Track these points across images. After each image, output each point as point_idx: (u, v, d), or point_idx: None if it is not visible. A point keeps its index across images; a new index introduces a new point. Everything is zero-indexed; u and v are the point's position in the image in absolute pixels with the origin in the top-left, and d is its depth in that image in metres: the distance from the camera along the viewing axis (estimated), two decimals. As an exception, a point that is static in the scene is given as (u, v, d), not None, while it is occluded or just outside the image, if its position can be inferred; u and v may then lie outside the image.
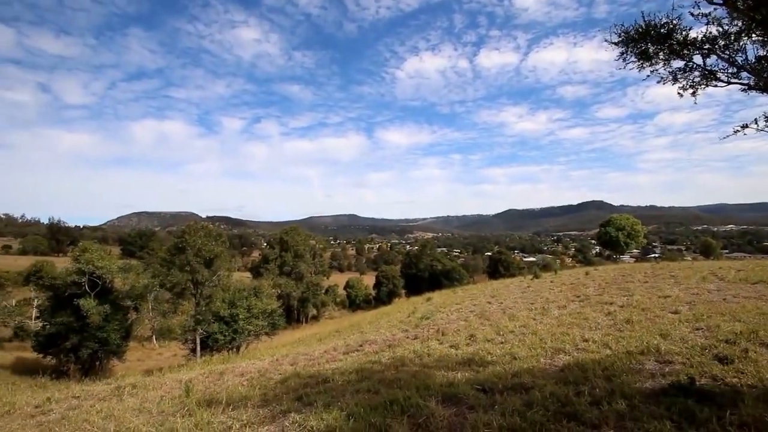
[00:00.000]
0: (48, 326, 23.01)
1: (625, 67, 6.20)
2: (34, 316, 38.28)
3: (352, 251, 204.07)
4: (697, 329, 7.07)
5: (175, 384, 7.85)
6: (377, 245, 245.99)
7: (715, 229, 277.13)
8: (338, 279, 78.13)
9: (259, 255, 73.22)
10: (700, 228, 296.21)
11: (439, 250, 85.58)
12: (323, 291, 60.73)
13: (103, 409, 6.04)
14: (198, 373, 9.06)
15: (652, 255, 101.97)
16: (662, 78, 6.18)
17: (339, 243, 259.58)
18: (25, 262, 56.99)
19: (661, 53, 5.92)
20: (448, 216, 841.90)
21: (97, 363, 23.79)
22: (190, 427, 4.42)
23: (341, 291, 68.46)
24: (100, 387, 8.41)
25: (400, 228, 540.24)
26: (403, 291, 64.60)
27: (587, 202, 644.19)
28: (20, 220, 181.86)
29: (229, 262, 30.78)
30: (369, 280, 76.27)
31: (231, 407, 5.18)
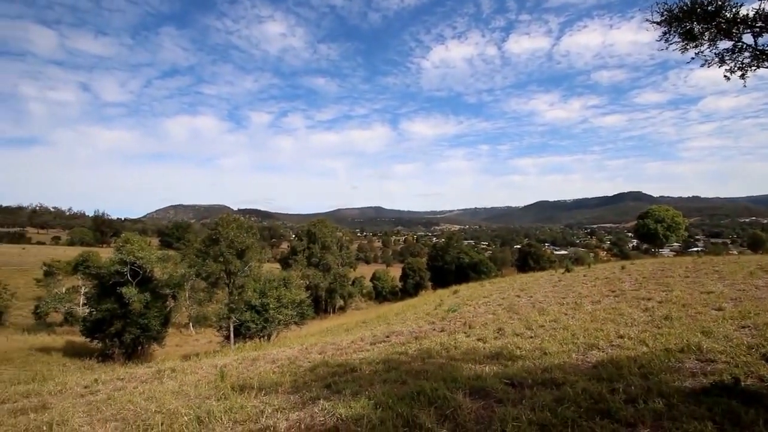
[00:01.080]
0: (94, 312, 24.40)
1: (667, 49, 5.83)
2: (81, 302, 40.80)
3: (378, 243, 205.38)
4: (743, 327, 6.68)
5: (211, 369, 8.21)
6: (403, 237, 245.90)
7: (765, 221, 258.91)
8: (365, 271, 78.86)
9: (288, 247, 74.93)
10: (747, 220, 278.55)
11: (466, 242, 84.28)
12: (350, 282, 61.52)
13: (145, 391, 6.41)
14: (232, 359, 9.44)
15: (694, 249, 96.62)
16: (707, 60, 5.78)
17: (365, 235, 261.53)
18: (72, 253, 60.56)
19: (707, 33, 5.53)
20: (475, 208, 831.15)
21: (139, 348, 25.10)
22: (225, 411, 4.60)
23: (368, 282, 69.10)
24: (142, 370, 8.92)
25: (426, 220, 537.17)
26: (429, 283, 64.41)
27: (624, 193, 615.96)
28: (68, 213, 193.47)
29: (260, 254, 31.79)
30: (395, 272, 76.55)
31: (263, 392, 5.37)
